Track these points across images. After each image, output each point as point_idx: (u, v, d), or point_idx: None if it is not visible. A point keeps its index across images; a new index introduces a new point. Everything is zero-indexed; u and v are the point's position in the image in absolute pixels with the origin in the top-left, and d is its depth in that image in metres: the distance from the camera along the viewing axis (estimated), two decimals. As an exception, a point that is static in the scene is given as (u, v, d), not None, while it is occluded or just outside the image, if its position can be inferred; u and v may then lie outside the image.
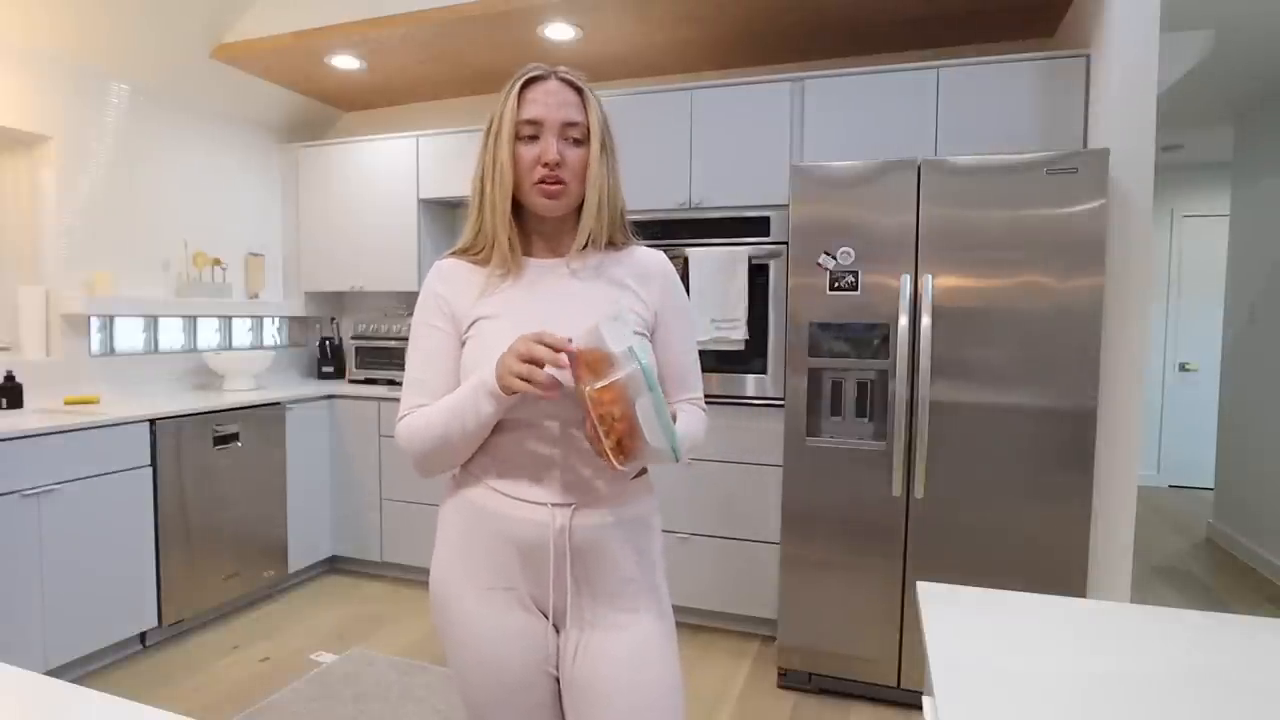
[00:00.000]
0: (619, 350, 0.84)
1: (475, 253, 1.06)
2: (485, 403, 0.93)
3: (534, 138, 1.00)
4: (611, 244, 1.07)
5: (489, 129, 1.02)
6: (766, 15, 2.70)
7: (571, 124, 1.00)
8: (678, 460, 0.88)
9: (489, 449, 1.01)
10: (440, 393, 1.02)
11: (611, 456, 0.86)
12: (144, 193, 3.16)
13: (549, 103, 0.99)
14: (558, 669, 1.03)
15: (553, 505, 0.98)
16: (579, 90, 1.02)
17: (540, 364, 0.86)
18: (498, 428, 0.99)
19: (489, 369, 0.93)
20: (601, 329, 0.86)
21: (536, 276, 1.05)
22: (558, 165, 0.99)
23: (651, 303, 1.07)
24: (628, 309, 1.03)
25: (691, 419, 1.07)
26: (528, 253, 1.07)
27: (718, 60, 3.16)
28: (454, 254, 1.08)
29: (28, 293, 2.78)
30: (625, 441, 0.86)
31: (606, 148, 1.04)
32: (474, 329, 1.02)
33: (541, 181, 0.99)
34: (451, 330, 1.04)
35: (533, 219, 1.06)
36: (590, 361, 0.87)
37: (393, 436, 3.25)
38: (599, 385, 0.85)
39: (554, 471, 0.98)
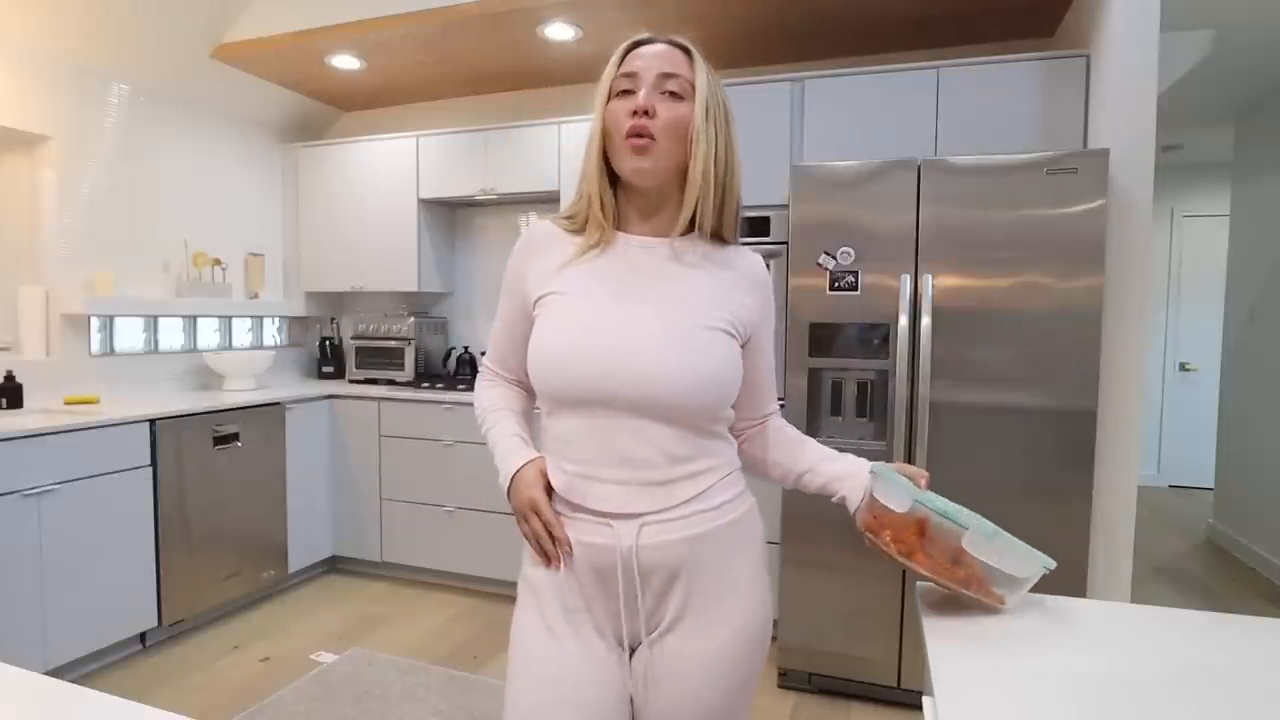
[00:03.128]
0: (905, 509, 0.88)
1: (572, 221, 0.99)
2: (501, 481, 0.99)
3: (629, 91, 0.92)
4: (719, 238, 0.99)
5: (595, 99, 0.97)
6: (767, 15, 2.70)
7: (669, 75, 0.91)
8: (1047, 568, 0.89)
9: (558, 435, 0.94)
10: (509, 361, 1.06)
11: (992, 601, 0.90)
12: (144, 193, 3.16)
13: (648, 56, 0.93)
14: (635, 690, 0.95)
15: (616, 521, 0.89)
16: (687, 52, 0.95)
17: (538, 530, 0.92)
18: (566, 410, 0.92)
19: (511, 467, 0.96)
20: (877, 494, 0.91)
21: (629, 253, 0.96)
22: (646, 114, 0.89)
23: (754, 310, 0.99)
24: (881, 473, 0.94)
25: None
26: (624, 228, 0.98)
27: (718, 60, 3.16)
28: (553, 217, 1.02)
29: (28, 293, 2.78)
30: (988, 590, 0.89)
31: (714, 116, 0.93)
32: (543, 304, 0.95)
33: (629, 135, 0.90)
34: (517, 304, 1.01)
35: (630, 191, 0.97)
36: (894, 528, 0.89)
37: (392, 437, 3.26)
38: (925, 557, 0.87)
39: (625, 471, 0.89)
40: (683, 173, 0.95)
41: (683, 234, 0.96)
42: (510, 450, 0.98)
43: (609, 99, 0.94)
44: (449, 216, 3.74)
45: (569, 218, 1.00)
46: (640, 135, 0.90)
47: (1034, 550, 0.88)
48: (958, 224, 2.16)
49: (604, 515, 0.90)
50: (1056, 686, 0.72)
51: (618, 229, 0.98)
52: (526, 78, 3.43)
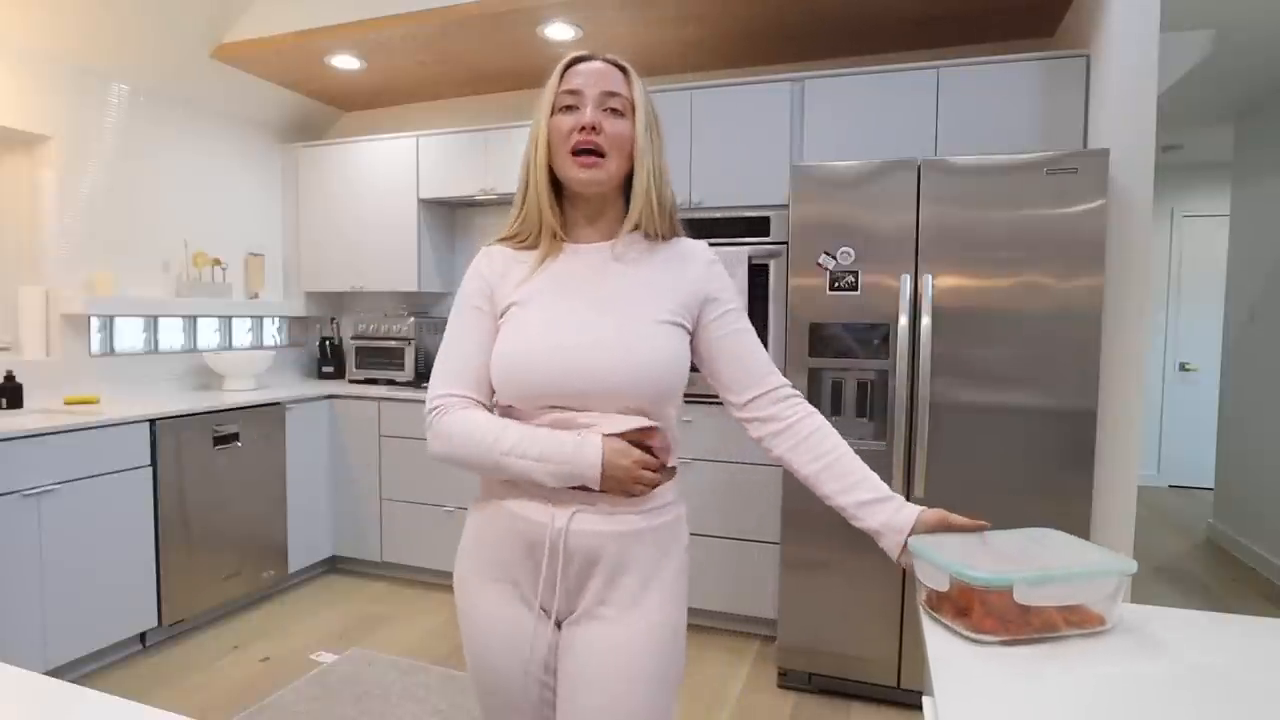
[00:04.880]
0: (946, 586, 0.85)
1: (518, 240, 1.05)
2: (570, 479, 0.94)
3: (573, 108, 0.99)
4: (659, 236, 1.05)
5: (535, 113, 1.02)
6: (767, 15, 2.70)
7: (611, 93, 0.98)
8: (1126, 573, 0.84)
9: None
10: (476, 379, 1.00)
11: (1093, 627, 0.85)
12: (144, 193, 3.16)
13: (589, 74, 0.99)
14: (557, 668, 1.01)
15: (554, 506, 0.97)
16: (624, 70, 1.02)
17: (646, 465, 0.95)
18: (526, 407, 0.99)
19: (593, 464, 0.92)
20: (919, 575, 0.89)
21: (577, 260, 1.03)
22: (594, 130, 0.96)
23: (698, 282, 1.04)
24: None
25: (834, 435, 1.04)
26: (571, 238, 1.04)
27: (718, 60, 3.16)
28: (499, 240, 1.07)
29: (28, 293, 2.78)
30: (1079, 620, 0.84)
31: (652, 131, 1.02)
32: (509, 313, 1.01)
33: (576, 151, 0.97)
34: (490, 310, 1.03)
35: (575, 201, 1.04)
36: (951, 601, 0.86)
37: (392, 437, 3.26)
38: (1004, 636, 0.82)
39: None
40: (623, 182, 1.03)
41: (623, 236, 1.03)
42: (575, 442, 0.93)
43: (552, 113, 1.00)
44: (449, 216, 3.74)
45: (514, 236, 1.06)
46: (589, 152, 0.97)
47: (1097, 564, 0.84)
48: (958, 224, 2.16)
49: (545, 494, 0.97)
50: (1056, 686, 0.72)
51: (566, 238, 1.04)
52: (526, 78, 3.43)
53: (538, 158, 1.00)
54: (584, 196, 1.02)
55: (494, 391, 1.02)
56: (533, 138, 1.02)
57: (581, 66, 1.00)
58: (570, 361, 0.95)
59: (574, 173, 0.98)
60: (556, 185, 1.03)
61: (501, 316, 1.02)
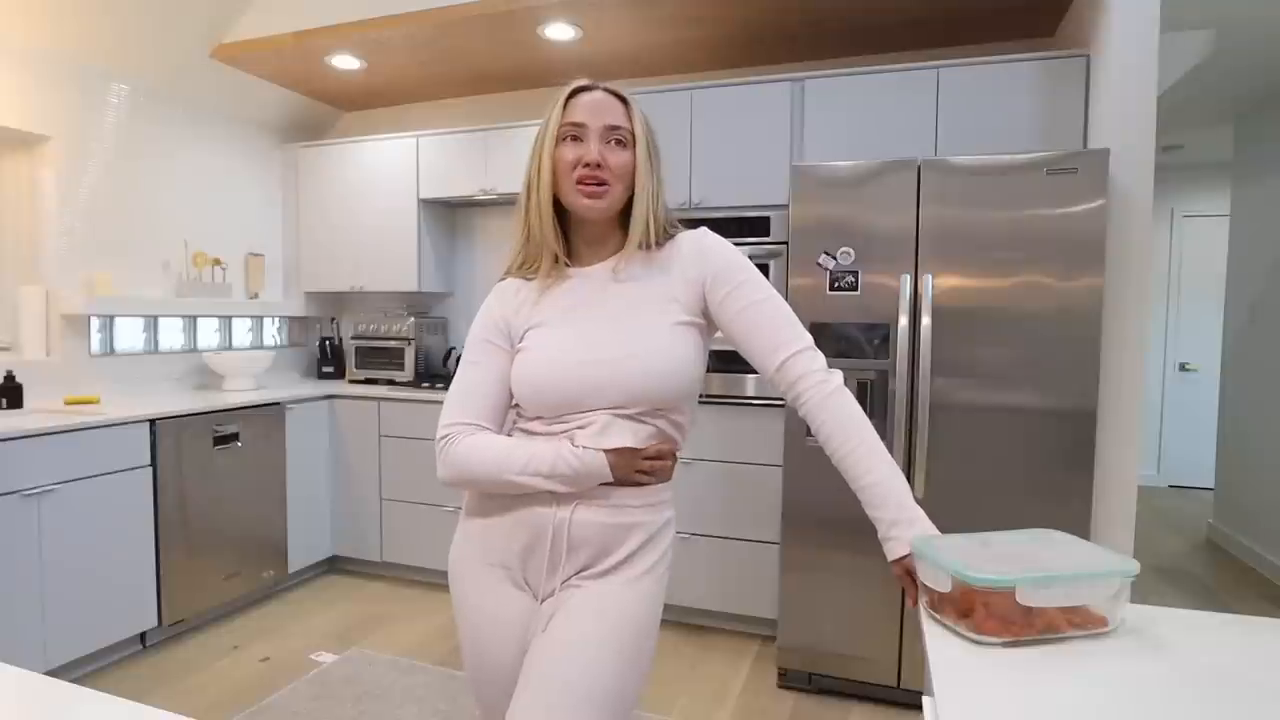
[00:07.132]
0: (948, 587, 0.84)
1: (526, 268, 1.10)
2: (585, 484, 1.01)
3: (576, 138, 1.03)
4: (655, 245, 1.08)
5: (536, 138, 1.06)
6: (767, 15, 2.70)
7: (614, 127, 1.03)
8: (1129, 575, 0.84)
9: (536, 436, 1.07)
10: (484, 408, 1.07)
11: (1096, 629, 0.84)
12: (144, 193, 3.16)
13: (592, 107, 1.04)
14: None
15: (558, 500, 1.02)
16: (624, 100, 1.06)
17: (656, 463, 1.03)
18: (547, 418, 1.05)
19: (601, 463, 1.00)
20: (922, 576, 0.89)
21: (582, 283, 1.08)
22: (598, 165, 1.01)
23: (689, 277, 1.06)
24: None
25: (854, 412, 1.02)
26: (574, 261, 1.10)
27: (718, 60, 3.16)
28: (508, 274, 1.13)
29: (28, 293, 2.78)
30: (1082, 621, 0.84)
31: (651, 154, 1.07)
32: (530, 335, 1.07)
33: (581, 181, 1.02)
34: (507, 345, 1.09)
35: (577, 225, 1.08)
36: (953, 603, 0.85)
37: (392, 437, 3.25)
38: (1006, 640, 0.81)
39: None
40: (624, 206, 1.07)
41: (623, 256, 1.07)
42: (579, 455, 1.00)
43: (555, 144, 1.04)
44: (449, 216, 3.74)
45: (525, 267, 1.11)
46: (595, 183, 1.02)
47: (1100, 566, 0.83)
48: (958, 224, 2.16)
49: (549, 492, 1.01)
50: (1058, 687, 0.72)
51: (570, 262, 1.10)
52: (526, 78, 3.43)
53: (541, 185, 1.04)
54: (587, 222, 1.07)
55: (505, 416, 1.10)
56: (535, 166, 1.05)
57: (584, 98, 1.04)
58: (594, 377, 1.01)
59: (580, 200, 1.03)
60: (559, 210, 1.07)
61: (522, 339, 1.07)
